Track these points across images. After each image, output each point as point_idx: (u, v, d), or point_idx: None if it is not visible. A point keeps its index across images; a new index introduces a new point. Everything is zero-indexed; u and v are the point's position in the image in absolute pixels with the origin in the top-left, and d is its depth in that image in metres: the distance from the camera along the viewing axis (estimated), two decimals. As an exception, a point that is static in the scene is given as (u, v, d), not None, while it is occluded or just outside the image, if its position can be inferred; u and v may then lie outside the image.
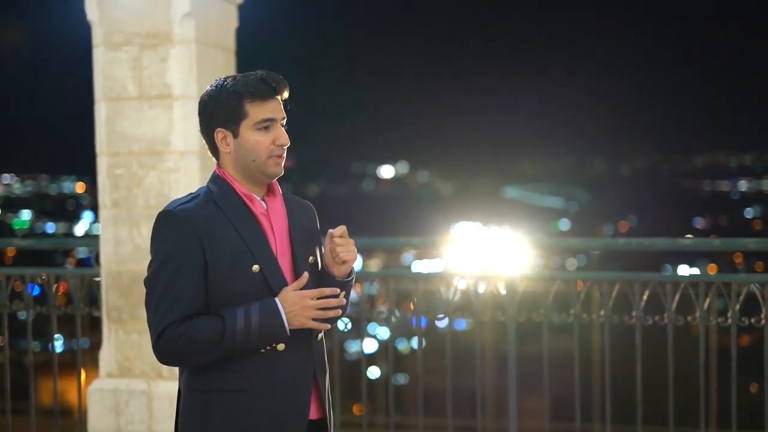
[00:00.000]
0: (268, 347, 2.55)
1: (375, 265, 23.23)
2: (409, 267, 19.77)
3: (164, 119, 4.84)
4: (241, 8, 5.24)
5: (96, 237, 5.15)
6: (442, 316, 4.91)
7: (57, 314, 5.28)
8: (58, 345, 6.04)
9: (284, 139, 2.61)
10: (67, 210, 59.50)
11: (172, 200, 2.64)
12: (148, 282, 2.55)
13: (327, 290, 2.57)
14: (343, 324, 4.97)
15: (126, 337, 4.96)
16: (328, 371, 2.73)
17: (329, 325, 2.63)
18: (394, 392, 5.41)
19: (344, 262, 2.63)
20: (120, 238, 4.92)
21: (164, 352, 2.53)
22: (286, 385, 2.57)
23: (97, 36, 4.94)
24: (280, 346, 2.56)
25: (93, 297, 5.22)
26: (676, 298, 4.57)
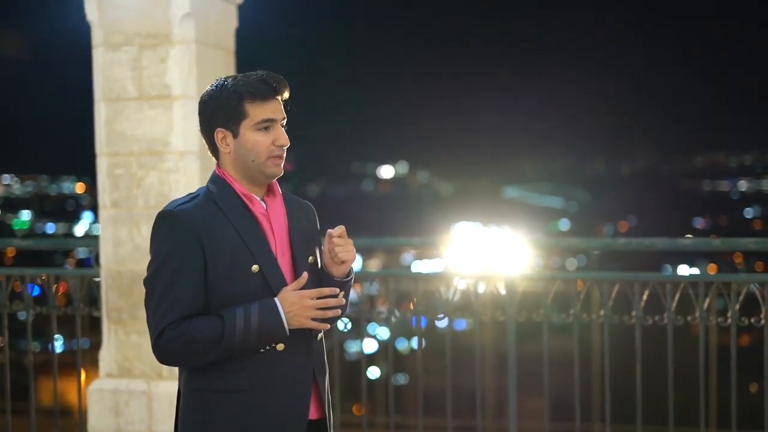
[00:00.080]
0: (268, 347, 2.55)
1: (375, 265, 23.23)
2: (409, 267, 19.78)
3: (164, 119, 4.84)
4: (241, 8, 5.24)
5: (96, 237, 5.15)
6: (441, 316, 4.91)
7: (57, 314, 5.28)
8: (58, 345, 6.04)
9: (284, 139, 2.61)
10: (67, 210, 59.50)
11: (172, 200, 2.64)
12: (147, 282, 2.55)
13: (326, 290, 2.57)
14: (343, 324, 4.97)
15: (126, 338, 4.96)
16: (327, 371, 2.73)
17: (328, 325, 2.63)
18: (394, 392, 5.41)
19: (343, 262, 2.63)
20: (120, 239, 4.92)
21: (164, 352, 2.53)
22: (285, 385, 2.57)
23: (97, 36, 4.94)
24: (280, 346, 2.56)
25: (93, 297, 5.22)
26: (676, 298, 4.57)
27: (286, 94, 2.64)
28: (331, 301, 2.57)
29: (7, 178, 62.57)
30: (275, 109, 2.60)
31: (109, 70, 4.90)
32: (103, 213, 4.98)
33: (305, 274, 2.58)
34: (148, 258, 2.58)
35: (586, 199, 70.75)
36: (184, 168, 4.83)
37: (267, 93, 2.58)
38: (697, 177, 71.29)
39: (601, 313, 4.69)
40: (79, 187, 62.26)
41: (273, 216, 2.64)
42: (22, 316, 5.50)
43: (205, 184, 2.66)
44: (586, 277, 4.76)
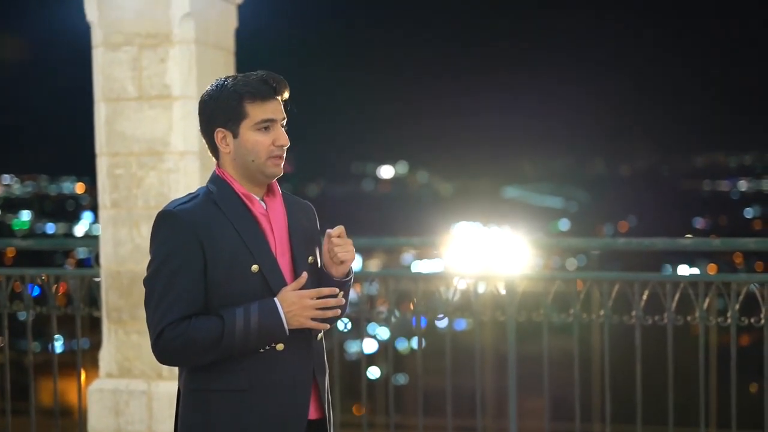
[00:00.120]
0: (268, 347, 2.55)
1: (375, 265, 23.24)
2: (408, 267, 19.78)
3: (164, 119, 4.84)
4: (241, 8, 5.24)
5: (96, 237, 5.15)
6: (441, 316, 4.91)
7: (57, 315, 5.28)
8: (58, 345, 6.04)
9: (284, 139, 2.61)
10: (67, 210, 59.50)
11: (172, 200, 2.64)
12: (147, 282, 2.55)
13: (326, 290, 2.57)
14: (343, 324, 4.97)
15: (126, 338, 4.96)
16: (327, 371, 2.73)
17: (328, 326, 2.63)
18: (394, 392, 5.41)
19: (342, 262, 2.63)
20: (120, 239, 4.92)
21: (163, 352, 2.53)
22: (285, 385, 2.57)
23: (97, 36, 4.94)
24: (280, 346, 2.56)
25: (93, 297, 5.22)
26: (676, 297, 4.57)
27: (286, 94, 2.64)
28: (331, 301, 2.57)
29: (7, 178, 62.59)
30: (275, 109, 2.60)
31: (109, 70, 4.90)
32: (103, 213, 4.98)
33: (305, 274, 2.58)
34: (148, 258, 2.58)
35: (586, 199, 70.77)
36: (184, 168, 4.83)
37: (267, 93, 2.59)
38: (697, 177, 71.29)
39: (601, 313, 4.69)
40: (79, 187, 62.27)
41: (273, 216, 2.64)
42: (22, 316, 5.50)
43: (205, 184, 2.67)
44: (586, 277, 4.76)
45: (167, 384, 4.87)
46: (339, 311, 2.62)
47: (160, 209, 2.60)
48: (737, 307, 4.48)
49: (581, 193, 71.95)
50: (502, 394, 5.54)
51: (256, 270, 2.55)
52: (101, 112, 4.93)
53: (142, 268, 2.60)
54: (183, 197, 2.63)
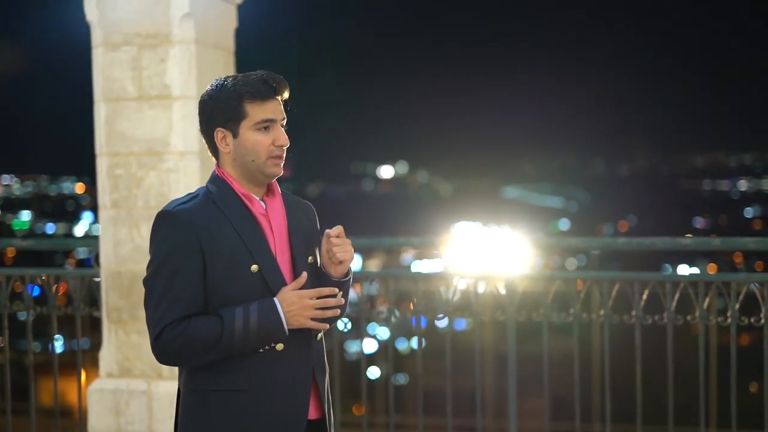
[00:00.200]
0: (267, 347, 2.55)
1: (375, 265, 23.25)
2: (408, 267, 19.78)
3: (164, 120, 4.84)
4: (241, 8, 5.24)
5: (96, 237, 5.15)
6: (441, 316, 4.91)
7: (57, 315, 5.28)
8: (58, 345, 6.04)
9: (284, 139, 2.61)
10: (67, 210, 59.52)
11: (171, 200, 2.64)
12: (147, 282, 2.55)
13: (325, 290, 2.57)
14: (343, 324, 4.97)
15: (126, 338, 4.96)
16: (327, 371, 2.73)
17: (328, 325, 2.63)
18: (394, 392, 5.41)
19: (341, 262, 2.63)
20: (120, 239, 4.92)
21: (163, 352, 2.53)
22: (285, 385, 2.57)
23: (97, 36, 4.94)
24: (279, 346, 2.56)
25: (93, 297, 5.22)
26: (676, 297, 4.57)
27: (286, 94, 2.64)
28: (331, 301, 2.57)
29: (7, 178, 62.59)
30: (275, 109, 2.60)
31: (108, 70, 4.90)
32: (103, 213, 4.98)
33: (304, 274, 2.58)
34: (148, 258, 2.58)
35: (586, 199, 70.79)
36: (184, 168, 4.83)
37: (267, 93, 2.59)
38: (697, 177, 71.29)
39: (601, 312, 4.68)
40: (79, 188, 62.28)
41: (272, 216, 2.64)
42: (22, 316, 5.50)
43: (204, 184, 2.67)
44: (586, 277, 4.76)
45: (167, 384, 4.87)
46: (338, 311, 2.62)
47: (160, 209, 2.60)
48: (737, 306, 4.48)
49: (581, 193, 71.96)
50: (502, 394, 5.54)
51: (256, 270, 2.55)
52: (101, 112, 4.93)
53: (142, 268, 2.60)
54: (182, 197, 2.64)
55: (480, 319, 4.92)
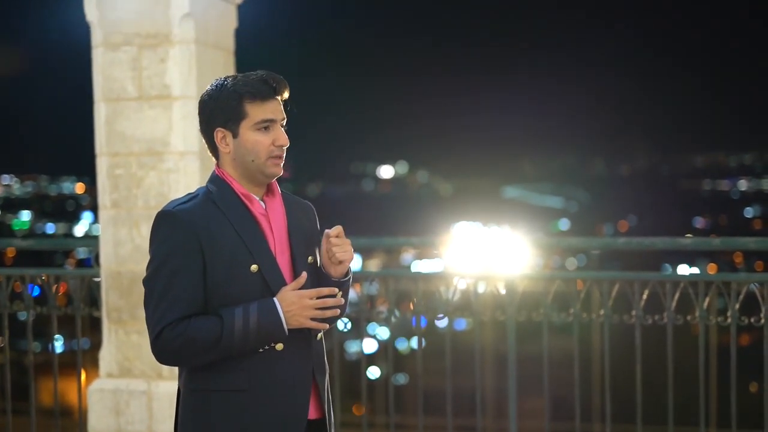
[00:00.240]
0: (267, 347, 2.55)
1: (374, 265, 23.26)
2: (408, 267, 19.78)
3: (164, 120, 4.84)
4: (241, 8, 5.24)
5: (96, 237, 5.15)
6: (441, 316, 4.91)
7: (57, 315, 5.28)
8: (59, 345, 6.04)
9: (284, 139, 2.61)
10: (67, 210, 59.53)
11: (171, 200, 2.64)
12: (146, 282, 2.55)
13: (325, 290, 2.57)
14: (343, 324, 4.97)
15: (126, 338, 4.96)
16: (327, 371, 2.73)
17: (327, 325, 2.63)
18: (394, 392, 5.41)
19: (341, 262, 2.63)
20: (120, 239, 4.92)
21: (162, 352, 2.53)
22: (285, 385, 2.57)
23: (97, 36, 4.94)
24: (279, 346, 2.56)
25: (93, 297, 5.22)
26: (676, 297, 4.57)
27: (286, 94, 2.64)
28: (330, 301, 2.57)
29: (7, 178, 62.61)
30: (275, 109, 2.60)
31: (108, 70, 4.90)
32: (103, 213, 4.98)
33: (304, 274, 2.58)
34: (148, 258, 2.57)
35: (586, 199, 70.80)
36: (184, 168, 4.83)
37: (267, 93, 2.58)
38: (697, 177, 71.30)
39: (601, 312, 4.68)
40: (79, 188, 62.29)
41: (272, 216, 2.64)
42: (22, 316, 5.50)
43: (204, 184, 2.67)
44: (586, 277, 4.75)
45: (167, 384, 4.87)
46: (338, 311, 2.62)
47: (160, 209, 2.60)
48: (737, 306, 4.48)
49: (581, 193, 71.98)
50: (502, 394, 5.54)
51: (256, 270, 2.55)
52: (101, 112, 4.93)
53: (142, 268, 2.60)
54: (182, 197, 2.63)
55: (480, 319, 4.92)
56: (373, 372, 18.99)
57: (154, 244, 2.56)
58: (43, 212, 58.93)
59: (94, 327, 5.49)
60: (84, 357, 5.41)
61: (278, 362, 2.56)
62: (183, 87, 4.82)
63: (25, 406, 5.69)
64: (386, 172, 77.88)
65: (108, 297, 4.98)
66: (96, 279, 5.12)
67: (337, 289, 2.59)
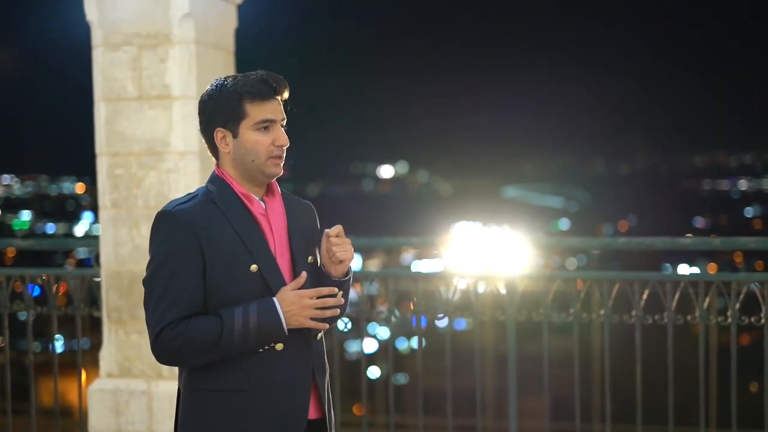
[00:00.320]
0: (267, 347, 2.55)
1: (375, 265, 23.26)
2: (408, 267, 19.78)
3: (164, 120, 4.84)
4: (241, 8, 5.24)
5: (96, 237, 5.15)
6: (441, 315, 4.91)
7: (57, 315, 5.28)
8: (59, 345, 6.04)
9: (284, 139, 2.61)
10: (67, 210, 59.54)
11: (171, 200, 2.64)
12: (146, 282, 2.55)
13: (325, 290, 2.57)
14: (343, 324, 4.97)
15: (126, 338, 4.96)
16: (328, 371, 2.73)
17: (327, 325, 2.63)
18: (394, 392, 5.41)
19: (341, 261, 2.63)
20: (120, 239, 4.92)
21: (162, 353, 2.53)
22: (284, 385, 2.57)
23: (97, 36, 4.94)
24: (279, 346, 2.56)
25: (93, 297, 5.22)
26: (676, 297, 4.57)
27: (286, 94, 2.64)
28: (330, 301, 2.57)
29: (7, 178, 62.61)
30: (275, 109, 2.60)
31: (109, 70, 4.90)
32: (103, 213, 4.98)
33: (304, 274, 2.58)
34: (148, 258, 2.58)
35: (586, 198, 70.82)
36: (184, 168, 4.83)
37: (267, 93, 2.58)
38: (697, 177, 71.32)
39: (601, 312, 4.68)
40: (79, 188, 62.31)
41: (272, 216, 2.64)
42: (22, 316, 5.50)
43: (204, 184, 2.67)
44: (586, 277, 4.76)
45: (167, 384, 4.87)
46: (338, 311, 2.62)
47: (159, 209, 2.60)
48: (737, 306, 4.48)
49: (581, 193, 71.99)
50: (502, 393, 5.54)
51: (255, 270, 2.55)
52: (101, 112, 4.93)
53: (142, 268, 2.60)
54: (182, 197, 2.63)
55: (480, 319, 4.92)
56: (374, 372, 18.99)
57: (154, 244, 2.56)
58: (44, 212, 58.94)
59: (94, 327, 5.48)
60: (84, 357, 5.41)
61: (278, 362, 2.56)
62: (183, 87, 4.82)
63: (25, 406, 5.69)
64: (386, 172, 77.92)
65: (108, 297, 4.98)
66: (96, 279, 5.12)
67: (336, 289, 2.59)
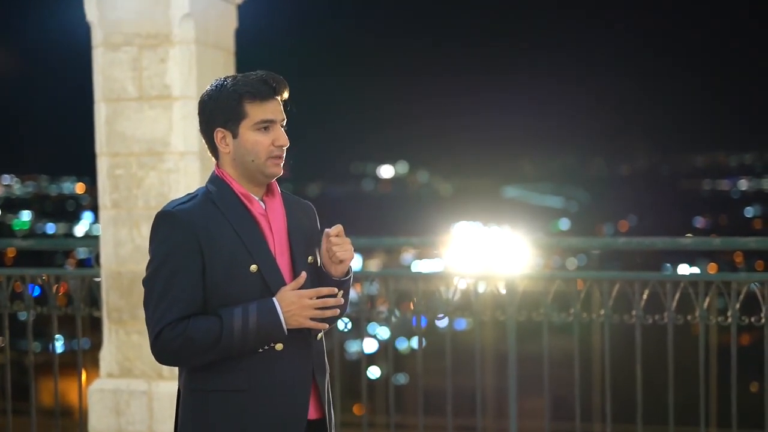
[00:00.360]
0: (267, 347, 2.55)
1: (375, 265, 23.27)
2: (408, 267, 19.77)
3: (164, 120, 4.84)
4: (241, 8, 5.24)
5: (96, 238, 5.15)
6: (442, 315, 4.91)
7: (57, 315, 5.28)
8: (59, 345, 6.04)
9: (284, 139, 2.61)
10: (67, 211, 59.55)
11: (171, 200, 2.64)
12: (146, 282, 2.55)
13: (325, 290, 2.57)
14: (344, 324, 4.97)
15: (126, 338, 4.96)
16: (328, 371, 2.73)
17: (327, 325, 2.63)
18: (395, 392, 5.41)
19: (341, 261, 2.63)
20: (120, 239, 4.92)
21: (162, 353, 2.53)
22: (284, 385, 2.57)
23: (97, 37, 4.94)
24: (279, 346, 2.56)
25: (93, 297, 5.22)
26: (676, 297, 4.57)
27: (286, 94, 2.64)
28: (330, 301, 2.57)
29: (7, 179, 62.61)
30: (275, 109, 2.60)
31: (109, 70, 4.90)
32: (103, 213, 4.98)
33: (303, 274, 2.58)
34: (148, 258, 2.58)
35: (586, 198, 70.82)
36: (184, 168, 4.83)
37: (267, 93, 2.58)
38: (697, 177, 71.31)
39: (602, 312, 4.68)
40: (80, 188, 62.31)
41: (272, 216, 2.64)
42: (22, 316, 5.50)
43: (204, 185, 2.67)
44: (586, 277, 4.76)
45: (168, 384, 4.87)
46: (338, 311, 2.62)
47: (159, 209, 2.60)
48: (738, 306, 4.48)
49: (581, 193, 72.00)
50: (503, 393, 5.54)
51: (255, 270, 2.55)
52: (101, 112, 4.93)
53: (143, 269, 2.60)
54: (182, 197, 2.64)
55: (480, 319, 4.92)
56: (374, 372, 18.99)
57: (154, 244, 2.56)
58: (44, 212, 58.95)
59: (94, 327, 5.49)
60: (84, 357, 5.41)
61: (278, 362, 2.56)
62: (183, 87, 4.82)
63: (25, 407, 5.69)
64: (386, 172, 77.93)
65: (108, 297, 4.98)
66: (96, 279, 5.12)
67: (336, 289, 2.59)
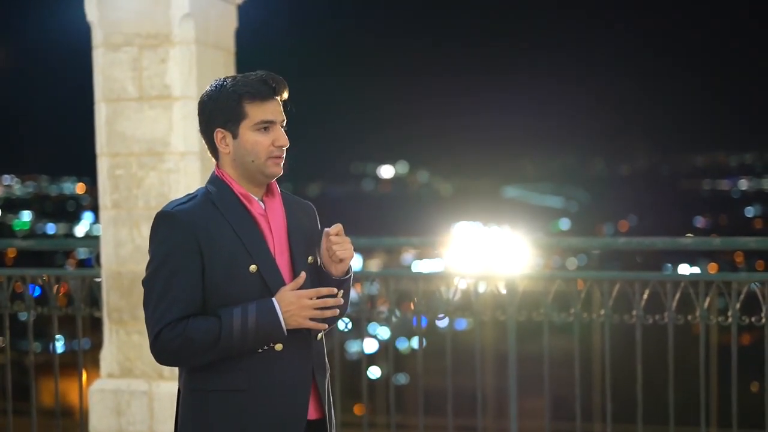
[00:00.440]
0: (266, 347, 2.55)
1: (375, 265, 23.27)
2: (409, 267, 19.78)
3: (164, 120, 4.84)
4: (241, 8, 5.24)
5: (96, 238, 5.15)
6: (442, 315, 4.91)
7: (58, 315, 5.28)
8: (59, 346, 6.04)
9: (284, 140, 2.61)
10: (68, 211, 59.57)
11: (170, 201, 2.64)
12: (146, 282, 2.55)
13: (324, 290, 2.57)
14: (344, 324, 4.97)
15: (127, 338, 4.96)
16: (328, 371, 2.73)
17: (327, 326, 2.63)
18: (395, 392, 5.40)
19: (341, 260, 2.63)
20: (120, 239, 4.93)
21: (161, 353, 2.53)
22: (284, 385, 2.57)
23: (97, 37, 4.94)
24: (278, 346, 2.56)
25: (94, 298, 5.22)
26: (677, 297, 4.57)
27: (286, 95, 2.64)
28: (330, 301, 2.56)
29: (7, 179, 62.63)
30: (274, 109, 2.60)
31: (109, 70, 4.90)
32: (103, 213, 4.98)
33: (303, 274, 2.58)
34: (148, 258, 2.58)
35: (586, 198, 70.83)
36: (184, 168, 4.83)
37: (266, 93, 2.58)
38: (697, 177, 71.32)
39: (602, 312, 4.68)
40: (80, 188, 62.33)
41: (271, 216, 2.64)
42: (23, 316, 5.50)
43: (204, 185, 2.67)
44: (586, 277, 4.75)
45: (168, 384, 4.87)
46: (338, 311, 2.62)
47: (159, 210, 2.60)
48: (738, 306, 4.48)
49: (581, 193, 72.01)
50: (503, 393, 5.55)
51: (255, 270, 2.55)
52: (101, 112, 4.93)
53: (143, 269, 2.60)
54: (182, 198, 2.63)
55: (480, 319, 4.92)
56: (374, 372, 18.99)
57: (153, 244, 2.56)
58: (44, 212, 58.95)
59: (94, 327, 5.48)
60: (85, 357, 5.41)
61: (277, 362, 2.56)
62: (183, 87, 4.82)
63: (25, 407, 5.69)
64: (386, 172, 77.95)
65: (109, 297, 4.98)
66: (97, 279, 5.12)
67: (336, 289, 2.59)
